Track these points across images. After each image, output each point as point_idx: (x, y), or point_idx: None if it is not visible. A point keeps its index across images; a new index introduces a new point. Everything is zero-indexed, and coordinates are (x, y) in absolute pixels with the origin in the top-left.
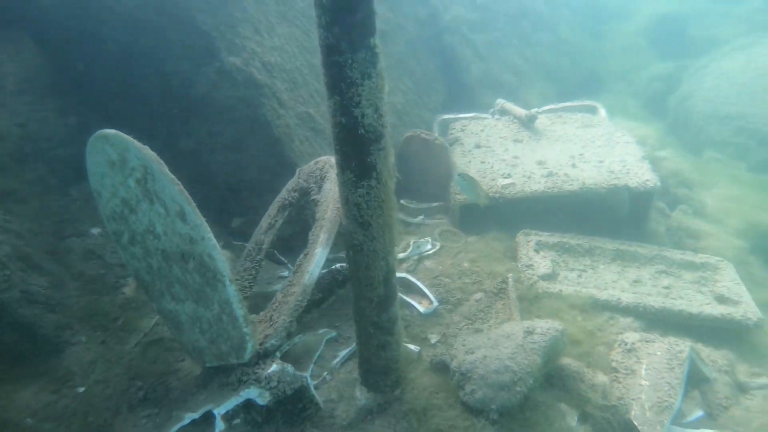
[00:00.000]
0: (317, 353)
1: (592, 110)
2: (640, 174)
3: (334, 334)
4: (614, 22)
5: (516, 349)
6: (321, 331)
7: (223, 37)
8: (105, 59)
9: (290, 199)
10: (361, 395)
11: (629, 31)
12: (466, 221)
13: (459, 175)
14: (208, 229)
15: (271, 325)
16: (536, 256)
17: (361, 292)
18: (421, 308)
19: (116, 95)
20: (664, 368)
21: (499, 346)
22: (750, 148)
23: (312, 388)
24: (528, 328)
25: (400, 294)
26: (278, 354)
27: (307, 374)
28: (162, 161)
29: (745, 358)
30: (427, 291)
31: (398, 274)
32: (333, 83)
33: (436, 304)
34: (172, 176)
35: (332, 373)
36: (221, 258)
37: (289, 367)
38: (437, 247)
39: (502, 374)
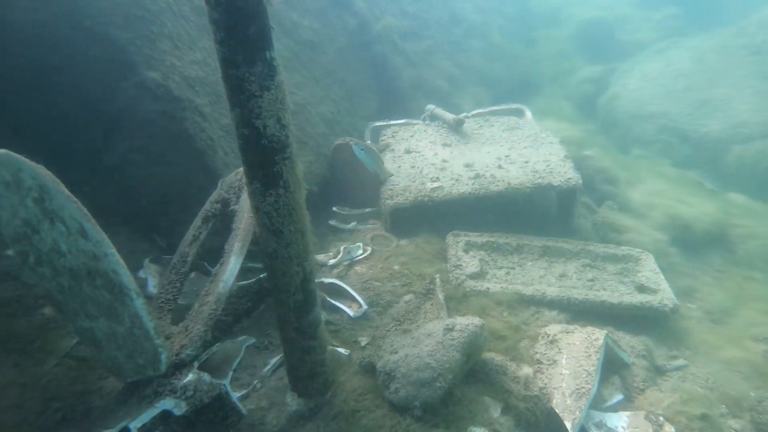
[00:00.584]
0: (237, 360)
1: (519, 113)
2: (563, 173)
3: (253, 340)
4: (546, 29)
5: (436, 347)
6: (240, 338)
7: (141, 52)
8: (16, 76)
9: (213, 210)
10: (292, 401)
11: (560, 37)
12: (398, 225)
13: (356, 145)
14: (110, 244)
15: (186, 335)
16: (465, 256)
17: (280, 299)
18: (350, 312)
19: (31, 113)
20: (582, 356)
21: (420, 344)
22: (673, 145)
23: (232, 396)
24: (448, 325)
25: (329, 299)
26: (196, 363)
27: (225, 382)
28: (57, 179)
29: (664, 342)
30: (356, 295)
31: (327, 280)
32: (233, 96)
33: (365, 307)
34: (69, 194)
35: (263, 381)
36: (126, 273)
37: (206, 376)
38: (368, 252)
39: (422, 372)
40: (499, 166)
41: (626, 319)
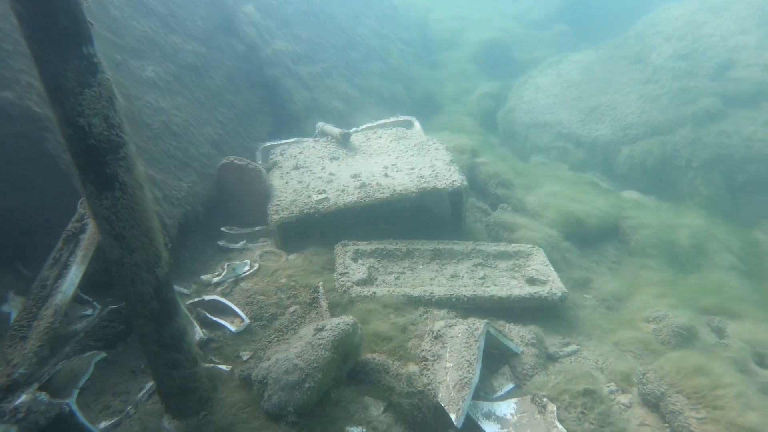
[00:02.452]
0: (84, 378)
1: (408, 125)
2: (447, 176)
3: (103, 355)
4: (446, 52)
5: (305, 347)
6: (87, 354)
7: None
8: None
9: (73, 229)
10: (169, 425)
11: (460, 58)
12: (287, 240)
13: None
14: None
15: (20, 353)
16: (353, 264)
17: (134, 309)
18: (231, 328)
19: None
20: (464, 347)
21: (290, 348)
22: (569, 150)
23: (79, 416)
24: (318, 326)
25: (209, 316)
26: (35, 384)
27: (70, 401)
28: None
29: (557, 331)
30: (237, 310)
31: (208, 297)
32: (50, 93)
33: (247, 321)
34: None
35: (137, 407)
36: None
37: (43, 396)
38: (255, 268)
39: (291, 374)
40: (386, 175)
41: (518, 312)
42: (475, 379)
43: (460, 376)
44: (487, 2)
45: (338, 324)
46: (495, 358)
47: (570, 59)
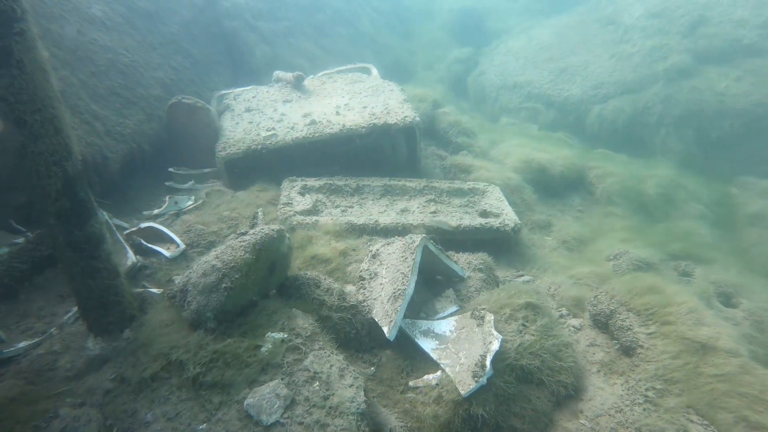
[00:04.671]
0: None
1: (366, 71)
2: (400, 113)
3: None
4: (420, 22)
5: (224, 250)
6: None
7: None
8: None
9: None
10: (94, 345)
11: (433, 27)
12: (234, 178)
13: None
14: None
15: None
16: (298, 197)
17: (43, 206)
18: (166, 253)
19: None
20: (400, 261)
21: (210, 253)
22: (540, 111)
23: None
24: (241, 232)
25: (144, 242)
26: None
27: None
28: None
29: (512, 266)
30: (172, 235)
31: (144, 224)
32: None
33: (182, 246)
34: None
35: (61, 328)
36: None
37: None
38: (199, 202)
39: (209, 275)
40: (337, 113)
41: (470, 246)
42: (409, 290)
43: (394, 289)
44: None
45: (262, 230)
46: (441, 284)
47: (542, 24)
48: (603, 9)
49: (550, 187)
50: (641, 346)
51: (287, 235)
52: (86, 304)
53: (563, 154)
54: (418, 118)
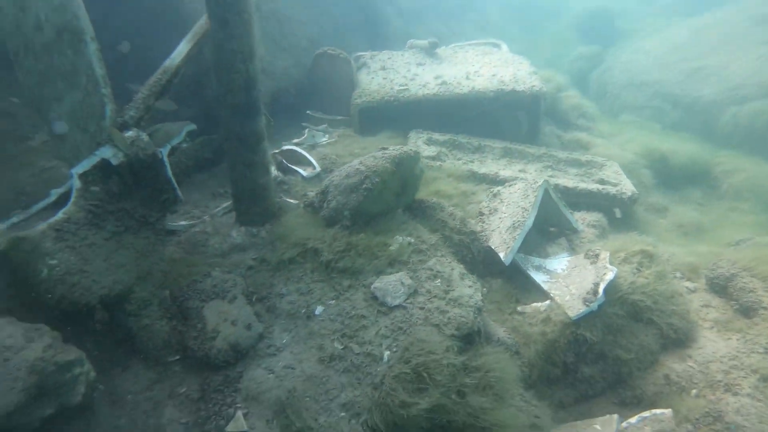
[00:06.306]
0: (177, 139)
1: (497, 46)
2: (528, 82)
3: (193, 126)
4: (547, 19)
5: (367, 158)
6: (180, 122)
7: None
8: None
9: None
10: (237, 235)
11: (559, 25)
12: (365, 126)
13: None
14: None
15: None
16: (423, 145)
17: (224, 99)
18: (304, 173)
19: None
20: (521, 198)
21: (354, 161)
22: (665, 110)
23: (168, 170)
24: (382, 147)
25: (285, 162)
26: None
27: (163, 149)
28: None
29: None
30: (310, 158)
31: (287, 146)
32: None
33: (318, 169)
34: None
35: (213, 217)
36: (85, 16)
37: (144, 135)
38: (334, 140)
39: (351, 177)
40: (467, 77)
41: (583, 208)
42: (529, 222)
43: (513, 221)
44: None
45: (400, 147)
46: (553, 235)
47: (678, 24)
48: (758, 7)
49: (670, 177)
50: (764, 308)
51: (421, 160)
52: (240, 193)
53: (688, 147)
54: (545, 88)
